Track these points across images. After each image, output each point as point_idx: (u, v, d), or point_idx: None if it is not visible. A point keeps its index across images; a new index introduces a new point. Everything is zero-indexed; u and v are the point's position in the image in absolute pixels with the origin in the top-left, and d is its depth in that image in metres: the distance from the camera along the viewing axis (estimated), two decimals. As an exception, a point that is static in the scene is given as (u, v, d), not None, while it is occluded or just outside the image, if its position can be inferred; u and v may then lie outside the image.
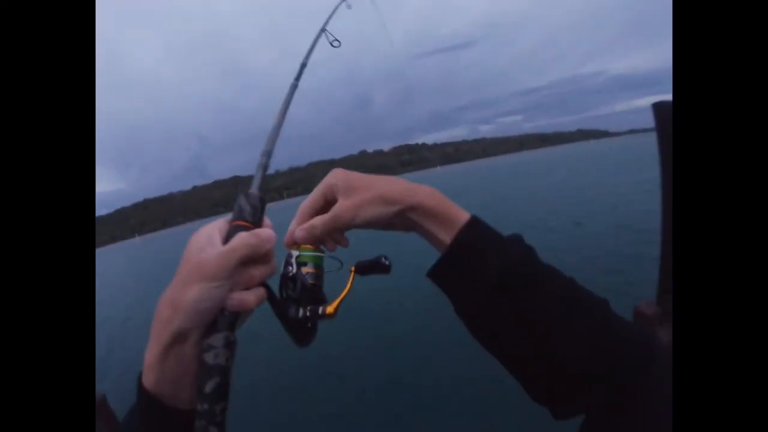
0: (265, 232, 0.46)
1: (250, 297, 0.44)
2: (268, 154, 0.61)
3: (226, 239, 0.45)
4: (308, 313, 0.48)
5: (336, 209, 0.51)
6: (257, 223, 0.48)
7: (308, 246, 0.53)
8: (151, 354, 0.42)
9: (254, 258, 0.44)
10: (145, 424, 0.43)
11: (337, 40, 0.94)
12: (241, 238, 0.44)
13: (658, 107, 1.41)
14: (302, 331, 0.50)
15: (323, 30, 0.94)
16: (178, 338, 0.41)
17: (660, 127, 1.41)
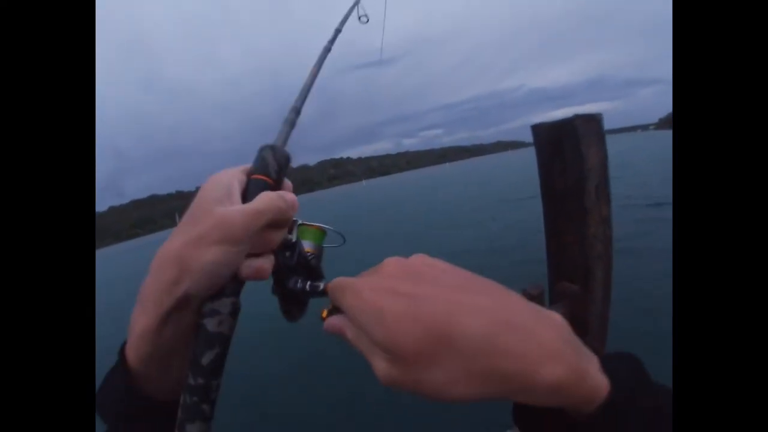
0: (291, 196, 0.41)
1: (267, 264, 0.39)
2: (297, 110, 0.56)
3: (246, 194, 0.40)
4: (307, 288, 0.43)
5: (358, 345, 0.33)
6: (279, 183, 0.43)
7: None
8: (144, 321, 0.36)
9: (277, 223, 0.39)
10: (121, 412, 0.38)
11: (365, 15, 0.96)
12: (270, 198, 0.38)
13: (535, 128, 1.69)
14: (296, 305, 0.46)
15: (357, 3, 0.93)
16: (183, 303, 0.35)
17: (537, 144, 1.69)
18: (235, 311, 0.38)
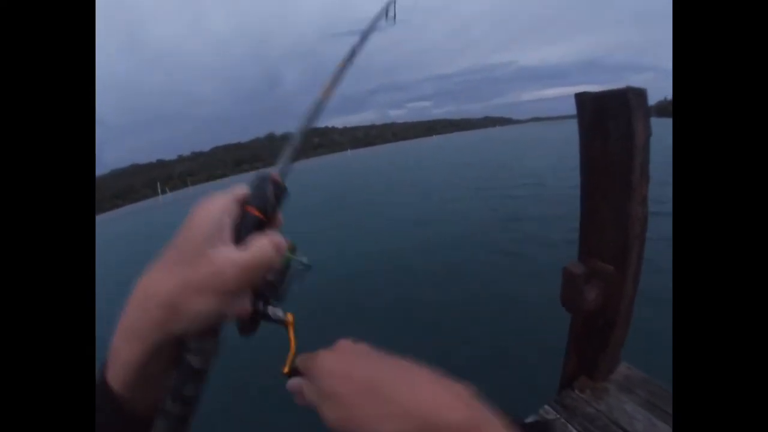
0: (282, 241, 0.40)
1: (248, 304, 0.39)
2: (304, 133, 0.55)
3: (239, 228, 0.39)
4: (270, 314, 0.43)
5: (327, 417, 0.38)
6: (272, 219, 0.43)
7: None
8: (129, 352, 0.36)
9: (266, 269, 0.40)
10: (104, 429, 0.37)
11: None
12: (264, 250, 0.38)
13: (579, 96, 1.59)
14: (251, 322, 0.44)
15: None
16: (170, 341, 0.36)
17: (580, 114, 1.59)
18: (217, 349, 0.40)
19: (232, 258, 0.36)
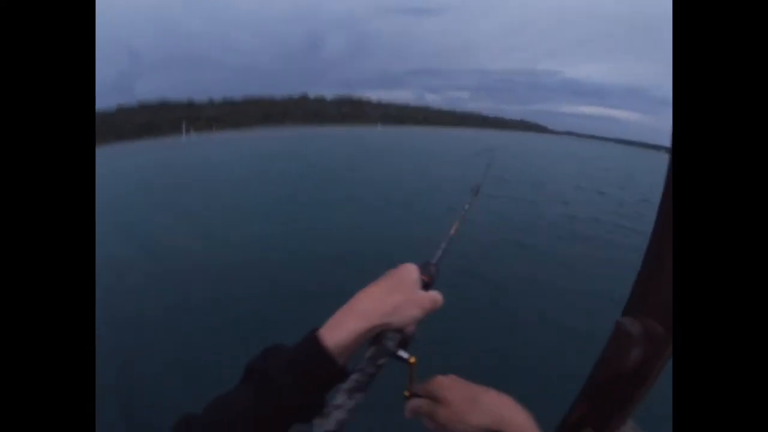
0: (441, 299, 0.62)
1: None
2: (449, 239, 0.85)
3: (423, 285, 0.64)
4: (396, 352, 0.58)
5: (438, 416, 0.60)
6: (432, 283, 0.69)
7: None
8: (355, 324, 0.54)
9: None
10: (311, 378, 0.50)
11: None
12: (438, 299, 0.62)
13: None
14: (401, 343, 0.60)
15: None
16: (383, 326, 0.56)
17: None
18: (398, 342, 0.59)
19: (426, 296, 0.61)
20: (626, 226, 11.92)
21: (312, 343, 0.52)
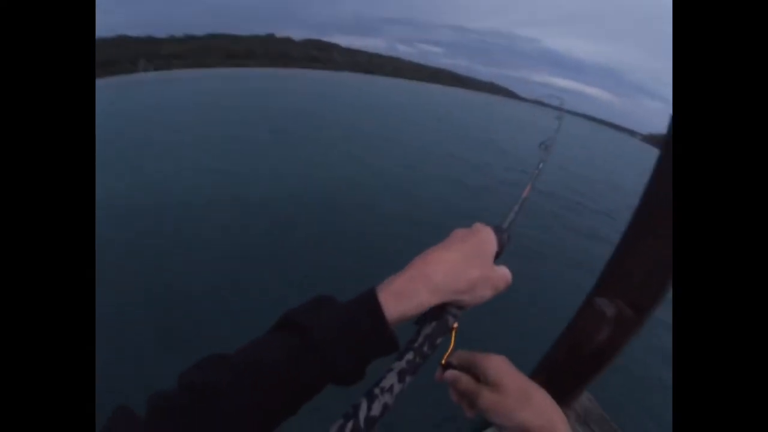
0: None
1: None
2: (521, 202, 0.81)
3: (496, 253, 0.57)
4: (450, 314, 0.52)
5: (483, 399, 0.54)
6: (502, 252, 0.61)
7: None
8: (425, 298, 0.48)
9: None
10: (365, 342, 0.45)
11: None
12: (508, 277, 0.55)
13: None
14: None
15: None
16: (453, 300, 0.51)
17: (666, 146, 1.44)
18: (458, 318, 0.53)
19: (504, 273, 0.55)
20: (584, 204, 12.35)
21: (372, 310, 0.45)
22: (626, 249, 1.71)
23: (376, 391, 0.41)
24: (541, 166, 1.02)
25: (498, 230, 0.59)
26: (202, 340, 3.98)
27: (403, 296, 0.47)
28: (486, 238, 0.55)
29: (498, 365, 0.56)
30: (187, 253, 5.73)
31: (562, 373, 1.96)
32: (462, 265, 0.51)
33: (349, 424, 0.38)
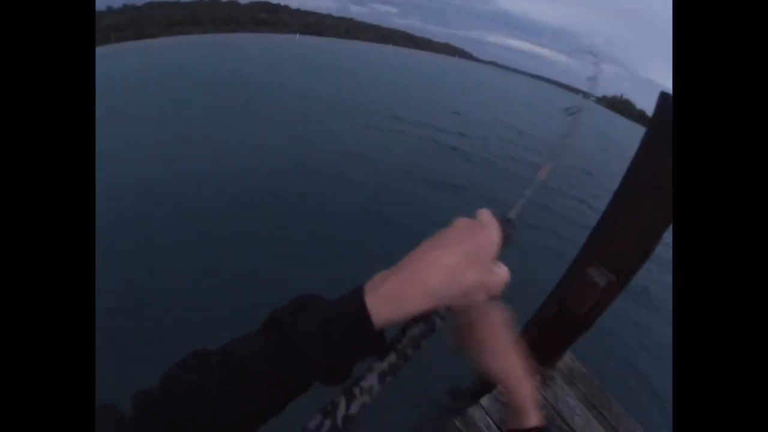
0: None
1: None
2: (535, 186, 0.74)
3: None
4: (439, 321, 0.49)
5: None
6: (506, 243, 0.55)
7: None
8: (418, 303, 0.44)
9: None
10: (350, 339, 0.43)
11: None
12: (503, 278, 0.50)
13: (665, 101, 1.44)
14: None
15: None
16: (437, 303, 0.46)
17: (660, 120, 1.45)
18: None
19: (502, 276, 0.50)
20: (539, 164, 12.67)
21: (358, 314, 0.43)
22: (607, 220, 1.81)
23: (356, 391, 0.41)
24: (565, 142, 0.88)
25: (502, 223, 0.54)
26: (164, 326, 3.91)
27: (392, 302, 0.44)
28: (489, 238, 0.49)
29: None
30: (135, 233, 5.49)
31: (549, 335, 2.08)
32: (460, 269, 0.46)
33: (327, 422, 0.38)
